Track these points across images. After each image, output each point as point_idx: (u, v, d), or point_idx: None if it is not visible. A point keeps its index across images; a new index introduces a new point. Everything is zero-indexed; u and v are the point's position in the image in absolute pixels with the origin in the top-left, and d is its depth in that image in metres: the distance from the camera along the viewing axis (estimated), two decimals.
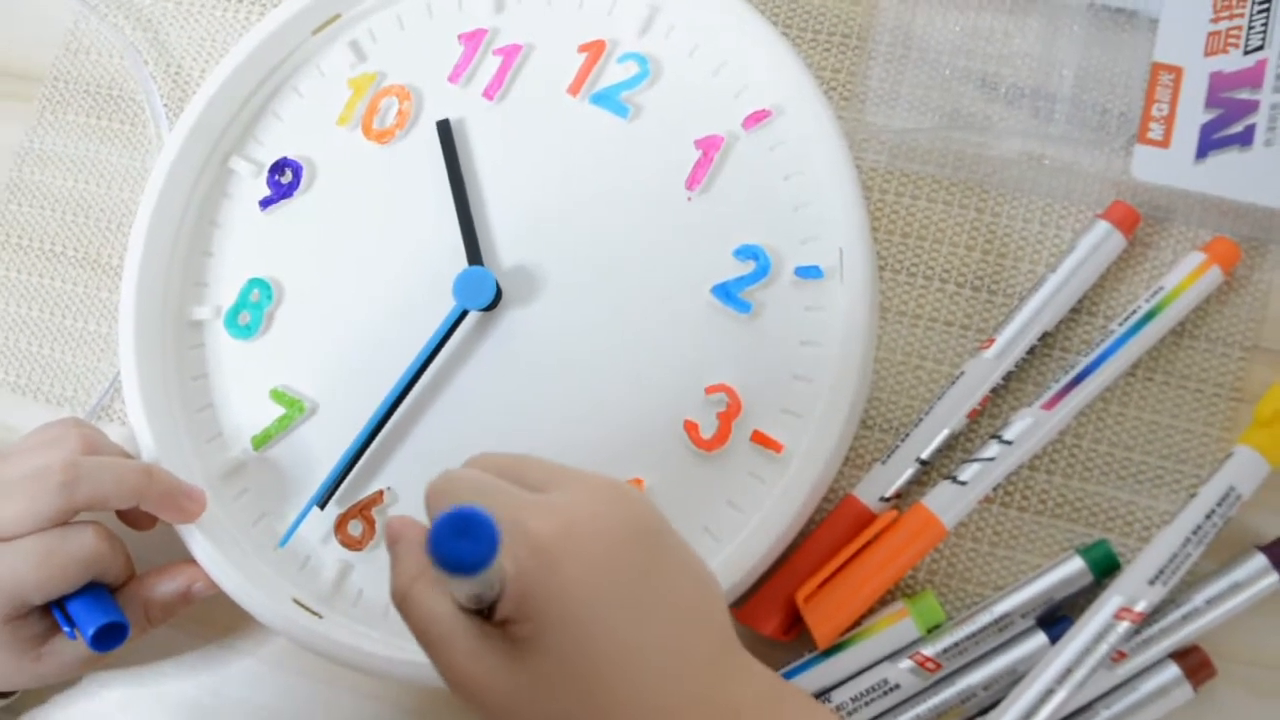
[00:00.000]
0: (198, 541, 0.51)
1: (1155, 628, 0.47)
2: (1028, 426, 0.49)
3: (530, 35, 0.55)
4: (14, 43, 0.65)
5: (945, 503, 0.49)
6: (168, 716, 0.55)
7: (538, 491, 0.39)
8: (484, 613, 0.37)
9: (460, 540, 0.30)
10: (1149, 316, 0.49)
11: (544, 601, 0.36)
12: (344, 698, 0.54)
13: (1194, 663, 0.47)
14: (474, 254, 0.52)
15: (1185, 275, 0.50)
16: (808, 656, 0.49)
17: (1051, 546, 0.50)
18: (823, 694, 0.49)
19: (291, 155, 0.56)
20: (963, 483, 0.49)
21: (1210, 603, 0.47)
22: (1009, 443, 0.49)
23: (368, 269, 0.54)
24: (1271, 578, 0.47)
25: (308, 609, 0.51)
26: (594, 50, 0.54)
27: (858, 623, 0.49)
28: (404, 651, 0.49)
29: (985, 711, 0.48)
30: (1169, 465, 0.50)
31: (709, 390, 0.50)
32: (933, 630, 0.49)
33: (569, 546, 0.37)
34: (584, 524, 0.37)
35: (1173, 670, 0.47)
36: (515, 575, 0.36)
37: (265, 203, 0.56)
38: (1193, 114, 0.51)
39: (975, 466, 0.49)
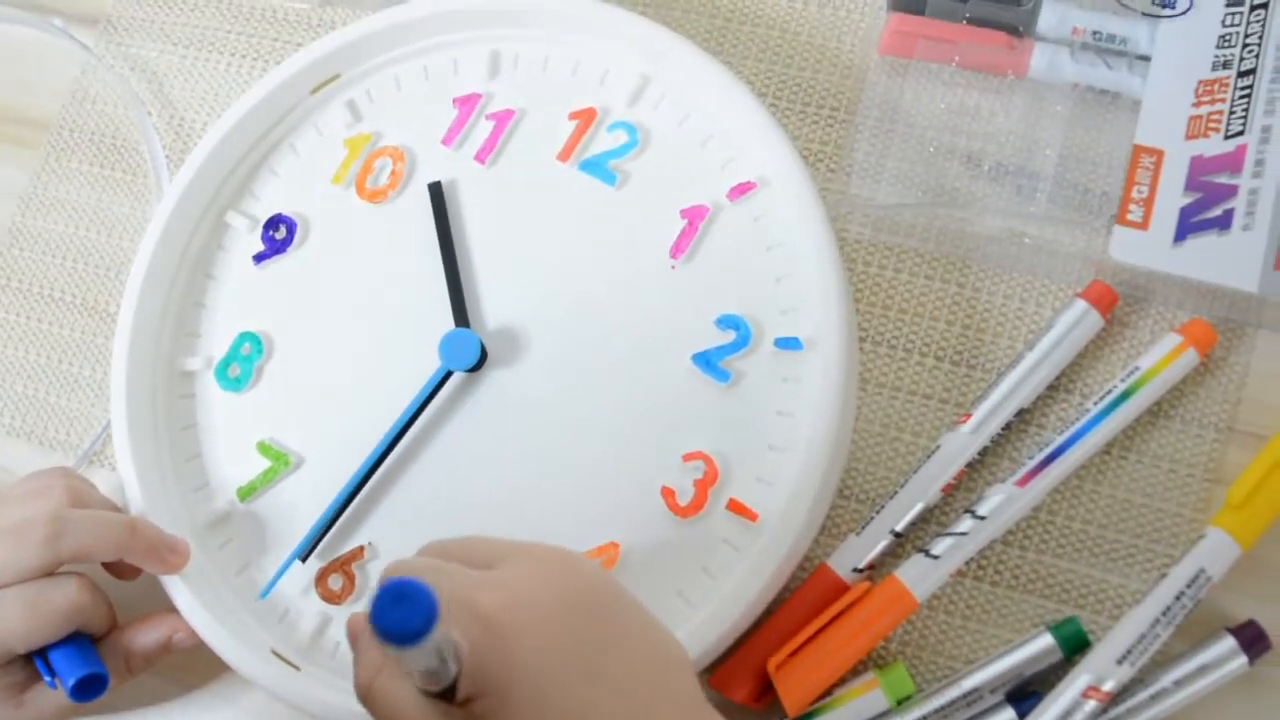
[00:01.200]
0: (180, 591, 0.52)
1: (1123, 707, 0.48)
2: (1001, 502, 0.50)
3: (523, 101, 0.56)
4: (23, 90, 0.66)
5: (917, 576, 0.49)
6: None
7: (487, 569, 0.40)
8: (448, 696, 0.38)
9: (398, 609, 0.31)
10: (1124, 396, 0.50)
11: (498, 675, 0.37)
12: None
13: None
14: (460, 315, 0.53)
15: (1161, 356, 0.50)
16: None
17: (1022, 622, 0.51)
18: None
19: (286, 211, 0.57)
20: (935, 556, 0.49)
21: (1178, 684, 0.48)
22: (982, 518, 0.49)
23: (357, 326, 0.55)
24: (1239, 660, 0.47)
25: (286, 661, 0.52)
26: (585, 118, 0.55)
27: (828, 692, 0.50)
28: None
29: None
30: (1141, 544, 0.50)
31: (686, 457, 0.51)
32: (903, 702, 0.49)
33: (518, 617, 0.37)
34: (531, 595, 0.38)
35: None
36: (470, 652, 0.37)
37: (259, 257, 0.57)
38: (1172, 197, 0.51)
39: (948, 540, 0.49)
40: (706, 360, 0.51)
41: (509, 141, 0.56)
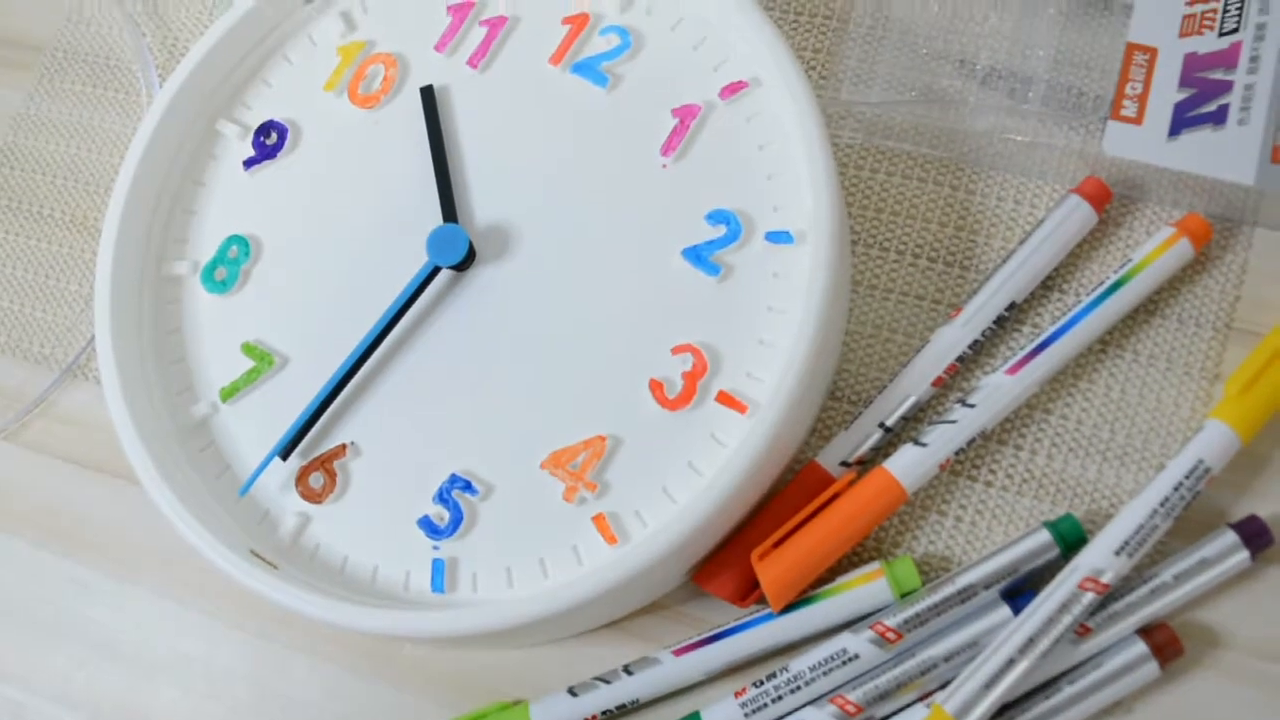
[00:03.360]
0: (162, 492, 0.51)
1: (1121, 603, 0.46)
2: (991, 390, 0.49)
3: (516, 8, 0.56)
4: (19, 14, 0.66)
5: (906, 465, 0.48)
6: (123, 677, 0.54)
7: None
8: None
9: None
10: (1116, 286, 0.49)
11: None
12: (299, 660, 0.53)
13: (1161, 640, 0.46)
14: (449, 213, 0.53)
15: (1154, 247, 0.49)
16: (764, 612, 0.48)
17: (1018, 523, 0.49)
18: (781, 658, 0.48)
19: (278, 118, 0.57)
20: (924, 444, 0.48)
21: (1178, 578, 0.46)
22: (972, 406, 0.48)
23: (346, 228, 0.55)
24: (1241, 555, 0.46)
25: (265, 561, 0.50)
26: (577, 23, 0.55)
27: (814, 586, 0.48)
28: (354, 605, 0.48)
29: (946, 685, 0.47)
30: (1138, 444, 0.49)
31: (675, 350, 0.50)
32: (905, 596, 0.48)
33: None
34: None
35: (1139, 647, 0.46)
36: None
37: (249, 163, 0.57)
38: (1166, 93, 0.51)
39: (938, 428, 0.48)
40: (696, 255, 0.51)
41: (502, 47, 0.56)
